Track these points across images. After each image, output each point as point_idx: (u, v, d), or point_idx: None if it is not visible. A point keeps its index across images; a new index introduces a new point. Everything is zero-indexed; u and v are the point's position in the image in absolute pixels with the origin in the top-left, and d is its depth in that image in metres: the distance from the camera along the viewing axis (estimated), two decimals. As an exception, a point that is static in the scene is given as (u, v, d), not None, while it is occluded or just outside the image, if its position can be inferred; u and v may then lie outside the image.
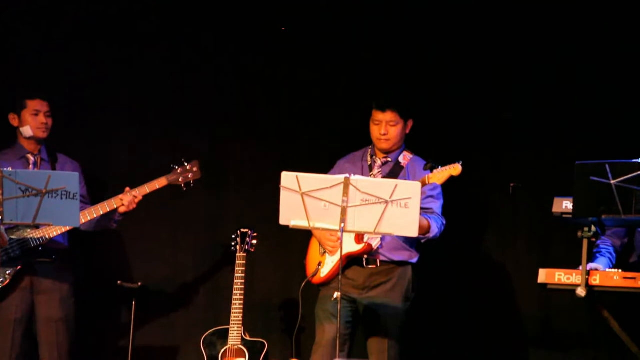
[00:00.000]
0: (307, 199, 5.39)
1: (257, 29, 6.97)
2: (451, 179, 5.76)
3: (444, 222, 6.07)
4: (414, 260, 6.14)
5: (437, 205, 6.08)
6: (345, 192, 5.36)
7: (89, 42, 6.93)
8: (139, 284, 6.60)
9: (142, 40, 6.96)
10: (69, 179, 5.54)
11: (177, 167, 6.32)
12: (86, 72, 6.92)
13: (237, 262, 6.48)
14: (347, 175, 5.42)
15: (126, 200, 6.18)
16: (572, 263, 5.51)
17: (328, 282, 6.07)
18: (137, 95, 6.96)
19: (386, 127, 6.13)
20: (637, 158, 5.35)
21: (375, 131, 6.15)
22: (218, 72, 7.00)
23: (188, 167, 6.32)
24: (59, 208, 5.48)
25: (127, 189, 6.22)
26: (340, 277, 5.59)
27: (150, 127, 6.97)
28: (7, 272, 6.11)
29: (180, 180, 6.31)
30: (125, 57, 6.96)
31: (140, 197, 6.21)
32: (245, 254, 6.50)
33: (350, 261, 6.04)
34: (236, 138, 6.98)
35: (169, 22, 6.97)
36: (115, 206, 6.18)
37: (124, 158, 6.94)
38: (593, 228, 5.36)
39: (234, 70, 7.00)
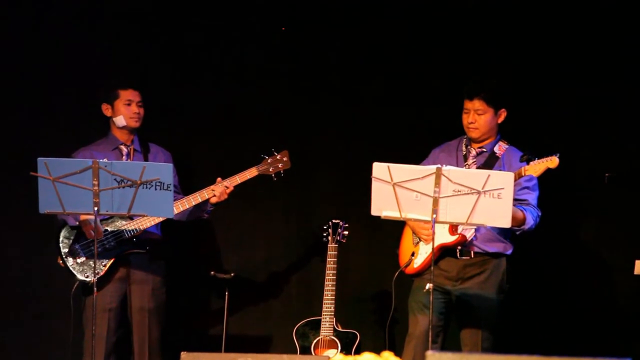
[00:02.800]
0: (398, 190, 5.37)
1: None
2: (547, 170, 5.69)
3: (540, 214, 5.99)
4: (509, 252, 6.08)
5: (532, 197, 5.99)
6: (437, 183, 5.34)
7: (180, 33, 6.98)
8: (232, 274, 6.63)
9: (232, 38, 7.00)
10: (163, 169, 5.60)
11: (267, 157, 6.33)
12: (176, 63, 6.97)
13: (329, 252, 6.48)
14: (439, 165, 5.39)
15: (218, 190, 6.21)
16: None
17: (421, 272, 6.04)
18: (228, 87, 6.99)
19: (474, 115, 6.08)
20: None
21: (465, 119, 6.11)
22: (312, 63, 6.99)
23: (278, 157, 6.33)
24: (152, 199, 5.55)
25: (219, 179, 6.25)
26: (432, 268, 5.58)
27: (241, 119, 6.99)
28: (103, 264, 6.19)
29: (270, 170, 6.32)
30: (217, 49, 7.00)
31: (231, 188, 6.24)
32: (336, 245, 6.49)
33: (444, 252, 6.00)
34: (328, 128, 6.97)
35: (263, 21, 7.00)
36: (207, 197, 6.22)
37: (215, 149, 6.97)
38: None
39: (334, 59, 6.99)
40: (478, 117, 6.08)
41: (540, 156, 5.70)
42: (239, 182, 6.28)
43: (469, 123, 6.08)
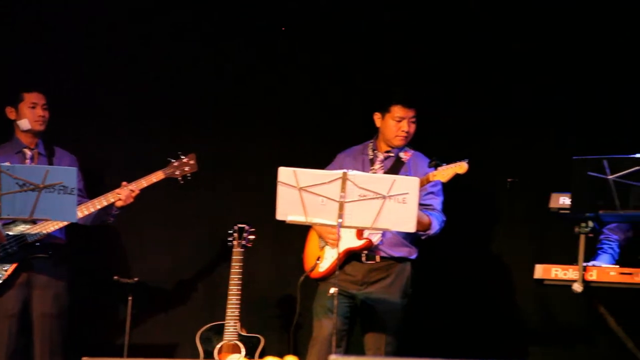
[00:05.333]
0: (304, 194, 5.40)
1: (253, 26, 6.98)
2: (456, 176, 5.76)
3: (444, 219, 6.08)
4: (413, 256, 6.15)
5: (437, 202, 6.08)
6: (343, 187, 5.37)
7: (87, 36, 6.91)
8: (136, 279, 6.58)
9: (140, 35, 6.95)
10: (67, 173, 5.54)
11: (173, 161, 6.31)
12: (83, 66, 6.91)
13: (234, 257, 6.47)
14: (345, 170, 5.42)
15: (123, 194, 6.17)
16: (569, 259, 5.52)
17: (326, 277, 6.07)
18: (134, 90, 6.95)
19: (408, 124, 6.13)
20: (635, 153, 5.37)
21: (395, 128, 6.13)
22: (216, 68, 6.99)
23: (184, 160, 6.32)
24: (56, 203, 5.49)
25: (124, 183, 6.21)
26: (337, 272, 5.62)
27: (148, 123, 6.96)
28: (4, 269, 6.10)
29: (177, 173, 6.30)
30: (125, 52, 6.95)
31: (137, 191, 6.20)
32: (242, 249, 6.49)
33: (350, 256, 6.05)
34: (234, 133, 6.97)
35: (168, 19, 6.96)
36: (112, 200, 6.17)
37: (122, 152, 6.92)
38: (590, 223, 5.36)
39: (232, 66, 7.00)
40: (412, 125, 6.14)
41: (446, 161, 5.78)
42: (145, 185, 6.24)
43: (404, 132, 6.12)
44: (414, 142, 6.22)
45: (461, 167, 5.74)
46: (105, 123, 6.93)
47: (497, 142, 6.78)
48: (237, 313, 6.42)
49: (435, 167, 5.78)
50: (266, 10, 6.94)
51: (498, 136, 6.78)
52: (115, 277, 6.58)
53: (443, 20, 6.85)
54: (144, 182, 6.23)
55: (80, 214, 6.00)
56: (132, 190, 6.18)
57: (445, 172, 5.77)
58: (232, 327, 6.43)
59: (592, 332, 6.53)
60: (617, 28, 6.61)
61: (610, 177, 5.21)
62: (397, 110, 6.13)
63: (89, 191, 6.35)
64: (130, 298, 6.53)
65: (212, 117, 6.98)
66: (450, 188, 6.08)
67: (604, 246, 5.83)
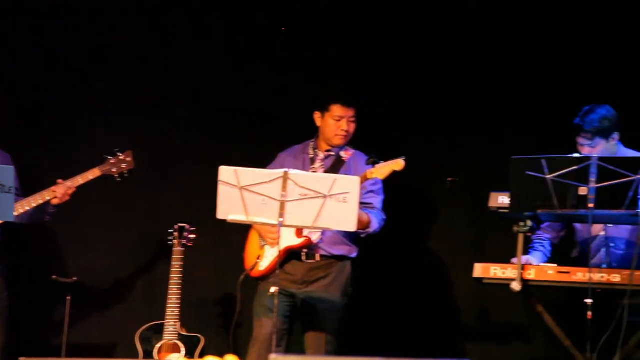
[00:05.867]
0: (245, 194, 5.39)
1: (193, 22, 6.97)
2: (393, 173, 5.79)
3: (384, 218, 6.11)
4: (353, 255, 6.17)
5: (377, 201, 6.11)
6: (284, 187, 5.37)
7: (15, 32, 6.85)
8: (74, 278, 6.53)
9: (73, 31, 6.90)
10: (4, 172, 5.47)
11: (110, 158, 6.26)
12: (15, 64, 6.84)
13: (174, 256, 6.44)
14: (286, 169, 5.42)
15: (59, 192, 6.10)
16: (508, 258, 5.57)
17: (266, 276, 6.07)
18: (70, 87, 6.89)
19: (348, 123, 6.15)
20: (573, 153, 5.43)
21: (335, 127, 6.16)
22: (152, 65, 6.96)
23: (121, 158, 6.27)
24: (-7, 202, 5.43)
25: (60, 180, 6.14)
26: (278, 271, 5.62)
27: (84, 119, 6.90)
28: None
29: (113, 170, 6.25)
30: (57, 48, 6.89)
31: (73, 189, 6.14)
32: (182, 249, 6.46)
33: (290, 255, 6.05)
34: (174, 131, 6.94)
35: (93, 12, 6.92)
36: (48, 198, 6.10)
37: (57, 150, 6.85)
38: (529, 223, 5.41)
39: (169, 64, 6.97)
40: (351, 124, 6.16)
41: (385, 159, 5.80)
42: (81, 183, 6.18)
43: (343, 131, 6.14)
44: (354, 141, 6.24)
45: (398, 164, 5.78)
46: (40, 120, 6.86)
47: (437, 141, 6.82)
48: (177, 312, 6.39)
49: (373, 164, 5.81)
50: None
51: (438, 135, 6.82)
52: (54, 277, 6.52)
53: (382, 17, 6.87)
54: (80, 180, 6.17)
55: (15, 212, 5.92)
56: (69, 188, 6.12)
57: (383, 170, 5.80)
58: (171, 326, 6.40)
59: (530, 330, 6.60)
60: (555, 27, 6.69)
61: (548, 176, 5.27)
62: (337, 110, 6.15)
63: (24, 189, 6.27)
64: (68, 298, 6.49)
65: (151, 114, 6.94)
66: (391, 187, 6.11)
67: (536, 244, 5.90)
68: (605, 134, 5.70)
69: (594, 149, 5.68)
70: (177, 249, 6.46)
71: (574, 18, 6.65)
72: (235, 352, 6.42)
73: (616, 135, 5.76)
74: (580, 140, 5.72)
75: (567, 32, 6.67)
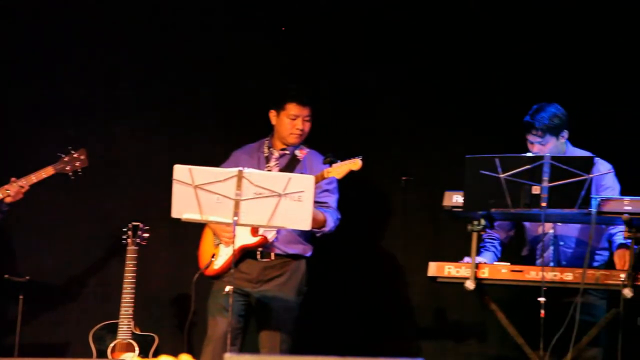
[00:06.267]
0: (200, 192, 5.38)
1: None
2: (350, 173, 5.79)
3: (339, 217, 6.12)
4: (308, 254, 6.17)
5: (332, 200, 6.12)
6: (239, 185, 5.36)
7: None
8: (27, 277, 6.48)
9: (27, 30, 6.86)
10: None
11: (63, 156, 6.24)
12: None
13: (128, 255, 6.42)
14: (241, 168, 5.42)
15: (12, 190, 6.07)
16: (462, 256, 5.60)
17: (221, 274, 6.05)
18: (22, 85, 6.84)
19: (303, 122, 6.16)
20: (526, 152, 5.47)
21: (290, 126, 6.16)
22: (103, 63, 6.92)
23: (75, 156, 6.25)
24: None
25: (13, 179, 6.11)
26: (232, 270, 5.62)
27: (37, 117, 6.86)
28: None
29: (67, 168, 6.23)
30: (14, 46, 6.84)
31: (27, 187, 6.11)
32: (136, 247, 6.44)
33: (244, 254, 6.04)
34: (130, 129, 6.92)
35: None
36: (1, 197, 6.06)
37: (10, 148, 6.80)
38: (482, 221, 5.45)
39: (121, 61, 6.94)
40: (306, 123, 6.17)
41: (342, 159, 5.81)
42: (35, 181, 6.15)
43: (299, 129, 6.15)
44: (309, 140, 6.24)
45: (355, 163, 5.78)
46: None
47: (392, 140, 6.84)
48: (130, 311, 6.37)
49: (330, 163, 5.82)
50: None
51: (393, 134, 6.84)
52: (6, 276, 6.47)
53: (333, 15, 6.90)
54: (34, 178, 6.14)
55: (-33, 211, 5.89)
56: (22, 187, 6.09)
57: (340, 169, 5.80)
58: (125, 325, 6.38)
59: (484, 328, 6.63)
60: (505, 28, 6.74)
61: (501, 175, 5.29)
62: (292, 108, 6.16)
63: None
64: (21, 297, 6.44)
65: (105, 112, 6.91)
66: (345, 186, 6.12)
67: (487, 244, 5.93)
68: (555, 132, 5.76)
69: (544, 146, 5.73)
70: (131, 247, 6.44)
71: (523, 18, 6.70)
72: (189, 351, 6.41)
73: (565, 134, 5.81)
74: (531, 137, 5.77)
75: (515, 32, 6.71)
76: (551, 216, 5.39)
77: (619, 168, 5.82)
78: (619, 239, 5.62)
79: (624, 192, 5.72)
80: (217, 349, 6.00)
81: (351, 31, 6.90)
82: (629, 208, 5.27)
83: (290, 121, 6.16)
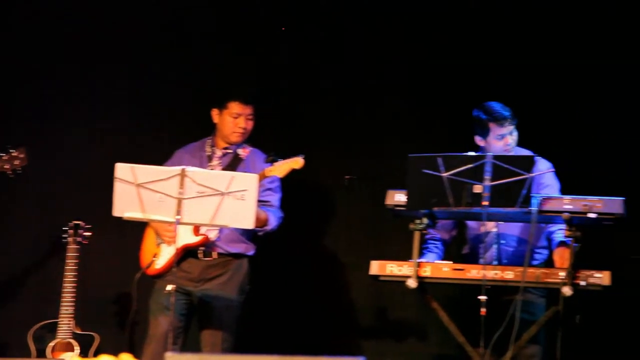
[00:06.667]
0: (142, 191, 5.36)
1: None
2: (291, 171, 5.80)
3: (282, 215, 6.13)
4: (251, 252, 6.17)
5: (275, 198, 6.13)
6: (181, 184, 5.35)
7: None
8: (-35, 276, 6.43)
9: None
10: None
11: (2, 155, 6.18)
12: None
13: (69, 254, 6.38)
14: (184, 166, 5.41)
15: (-52, 189, 6.01)
16: (404, 255, 5.62)
17: (163, 274, 6.03)
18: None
19: (245, 120, 6.14)
20: (468, 151, 5.51)
21: (232, 124, 6.15)
22: (43, 63, 6.87)
23: (14, 154, 6.20)
24: None
25: (-50, 178, 6.06)
26: (174, 269, 5.61)
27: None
28: None
29: (6, 167, 6.18)
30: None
31: (-36, 186, 6.06)
32: (77, 246, 6.41)
33: (186, 253, 6.02)
34: (71, 126, 6.87)
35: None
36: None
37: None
38: (425, 220, 5.48)
39: (66, 57, 6.89)
40: (249, 122, 6.16)
41: (284, 157, 5.81)
42: (-28, 180, 6.10)
43: (242, 128, 6.14)
44: (252, 139, 6.24)
45: (297, 162, 5.80)
46: None
47: (334, 139, 6.86)
48: (71, 311, 6.34)
49: (272, 162, 5.83)
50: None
51: (336, 133, 6.86)
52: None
53: (284, 15, 6.91)
54: (-27, 177, 6.10)
55: None
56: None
57: (282, 167, 5.81)
58: (65, 325, 6.34)
59: (425, 327, 6.67)
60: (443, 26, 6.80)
61: (444, 174, 5.33)
62: (234, 107, 6.16)
63: None
64: (-41, 296, 6.38)
65: (45, 110, 6.85)
66: (289, 185, 6.13)
67: (430, 245, 5.97)
68: (515, 126, 5.85)
69: (513, 138, 5.80)
70: (72, 246, 6.40)
71: (460, 16, 6.76)
72: (130, 351, 6.35)
73: None
74: (503, 130, 5.80)
75: (450, 31, 6.77)
76: (493, 215, 5.43)
77: (559, 167, 5.89)
78: (559, 237, 5.68)
79: (564, 191, 5.78)
80: (158, 348, 5.97)
81: (288, 26, 6.91)
82: (569, 207, 5.32)
83: (233, 120, 6.16)
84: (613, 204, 5.30)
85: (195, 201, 5.36)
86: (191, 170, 5.40)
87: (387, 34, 6.84)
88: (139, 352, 6.12)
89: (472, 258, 5.88)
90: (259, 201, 5.79)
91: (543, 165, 5.77)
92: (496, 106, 5.85)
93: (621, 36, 6.56)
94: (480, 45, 6.71)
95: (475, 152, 5.66)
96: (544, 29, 6.64)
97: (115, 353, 5.20)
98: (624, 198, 5.32)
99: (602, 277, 5.35)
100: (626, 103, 6.55)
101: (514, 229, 5.87)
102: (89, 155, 6.84)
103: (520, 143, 5.92)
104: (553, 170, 5.84)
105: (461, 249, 6.08)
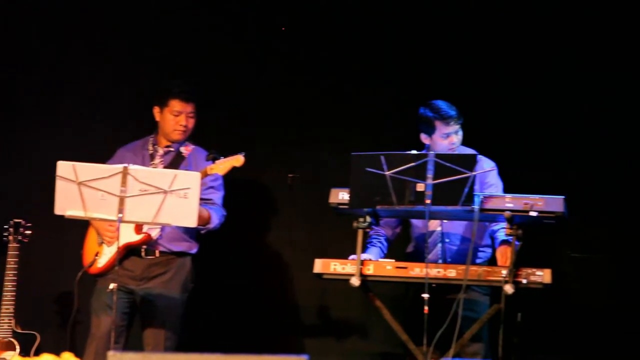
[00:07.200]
0: (84, 189, 5.33)
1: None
2: (233, 170, 5.81)
3: (225, 214, 6.12)
4: (194, 251, 6.15)
5: (217, 196, 6.12)
6: (124, 182, 5.33)
7: None
8: None
9: None
10: None
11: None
12: None
13: (9, 252, 6.34)
14: (126, 164, 5.38)
15: None
16: (348, 253, 5.63)
17: (105, 272, 6.00)
18: None
19: (187, 118, 6.12)
20: (410, 150, 5.53)
21: (173, 122, 6.13)
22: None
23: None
24: None
25: None
26: (117, 267, 5.58)
27: None
28: None
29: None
30: None
31: None
32: (18, 245, 6.36)
33: (129, 251, 5.99)
34: (11, 122, 6.81)
35: None
36: None
37: None
38: (368, 218, 5.49)
39: (16, 53, 6.87)
40: (190, 120, 6.14)
41: (226, 155, 5.80)
42: None
43: (182, 126, 6.12)
44: (194, 137, 6.22)
45: (237, 160, 5.80)
46: None
47: (278, 137, 6.86)
48: (12, 310, 6.30)
49: (213, 160, 5.82)
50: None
51: (279, 131, 6.86)
52: None
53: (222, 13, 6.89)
54: None
55: None
56: None
57: (223, 165, 5.81)
58: (6, 324, 6.30)
59: (368, 325, 6.69)
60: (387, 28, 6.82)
61: (387, 172, 5.34)
62: (175, 105, 6.14)
63: None
64: None
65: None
66: (231, 183, 6.12)
67: (373, 240, 5.99)
68: (461, 125, 5.88)
69: (459, 137, 5.83)
70: (13, 245, 6.36)
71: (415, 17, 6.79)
72: (72, 350, 6.27)
73: None
74: (449, 129, 5.83)
75: (396, 34, 6.80)
76: (435, 213, 5.45)
77: (502, 166, 5.93)
78: (501, 235, 5.72)
79: (506, 189, 5.82)
80: (100, 347, 5.94)
81: (229, 25, 6.90)
82: (511, 205, 5.36)
83: (174, 117, 6.14)
84: (554, 203, 5.35)
85: (138, 199, 5.34)
86: (133, 168, 5.38)
87: (343, 36, 6.86)
88: (81, 351, 6.08)
89: (417, 257, 5.90)
90: (202, 199, 5.78)
91: (487, 164, 5.81)
92: (443, 105, 5.88)
93: (565, 32, 6.62)
94: (423, 44, 6.73)
95: (420, 150, 5.68)
96: (486, 29, 6.68)
97: (56, 352, 5.16)
98: (564, 197, 5.36)
99: (543, 275, 5.39)
100: (568, 102, 6.60)
101: (458, 228, 5.90)
102: (30, 153, 6.78)
103: (465, 142, 5.95)
104: (496, 169, 5.88)
105: (406, 247, 6.09)
